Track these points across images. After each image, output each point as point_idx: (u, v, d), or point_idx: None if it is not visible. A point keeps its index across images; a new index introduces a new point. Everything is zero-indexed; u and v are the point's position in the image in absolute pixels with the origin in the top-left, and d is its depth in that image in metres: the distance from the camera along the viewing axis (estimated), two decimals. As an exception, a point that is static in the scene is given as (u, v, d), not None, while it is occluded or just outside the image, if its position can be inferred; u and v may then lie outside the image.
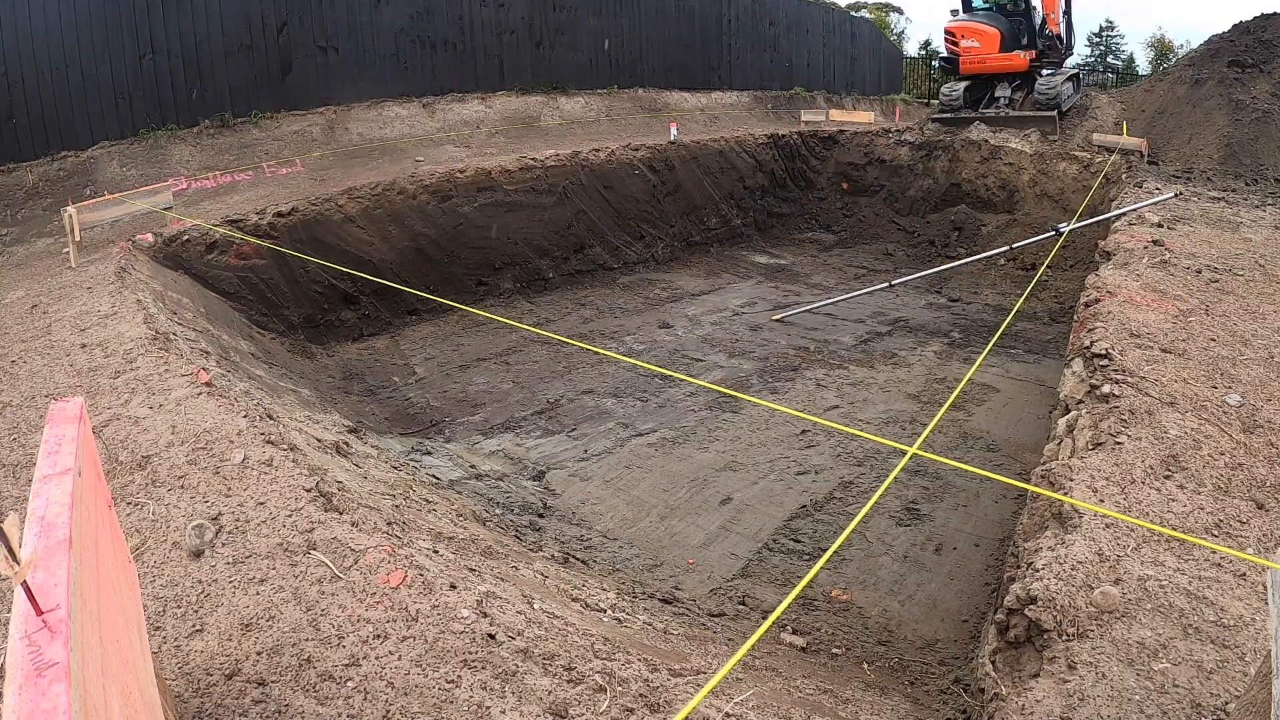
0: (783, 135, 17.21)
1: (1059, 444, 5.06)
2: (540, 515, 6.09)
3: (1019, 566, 3.77)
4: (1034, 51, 17.62)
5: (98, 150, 11.17)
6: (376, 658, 2.92)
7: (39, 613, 1.35)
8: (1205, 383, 5.25)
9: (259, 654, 2.95)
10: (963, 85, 18.56)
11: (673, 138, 15.14)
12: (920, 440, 5.00)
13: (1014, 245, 12.19)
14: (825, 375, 9.06)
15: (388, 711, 2.70)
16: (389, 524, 4.10)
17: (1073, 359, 6.21)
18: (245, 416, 4.73)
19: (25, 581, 1.35)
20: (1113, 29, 51.76)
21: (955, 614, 5.03)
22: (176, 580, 3.37)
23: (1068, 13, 18.16)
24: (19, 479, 4.27)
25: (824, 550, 5.53)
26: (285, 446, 4.50)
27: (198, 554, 3.51)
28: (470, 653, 2.95)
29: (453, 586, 3.33)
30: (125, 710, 1.66)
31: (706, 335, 10.47)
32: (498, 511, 5.95)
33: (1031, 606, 3.32)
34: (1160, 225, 9.48)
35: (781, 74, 23.69)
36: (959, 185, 15.73)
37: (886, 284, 12.07)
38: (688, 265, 14.15)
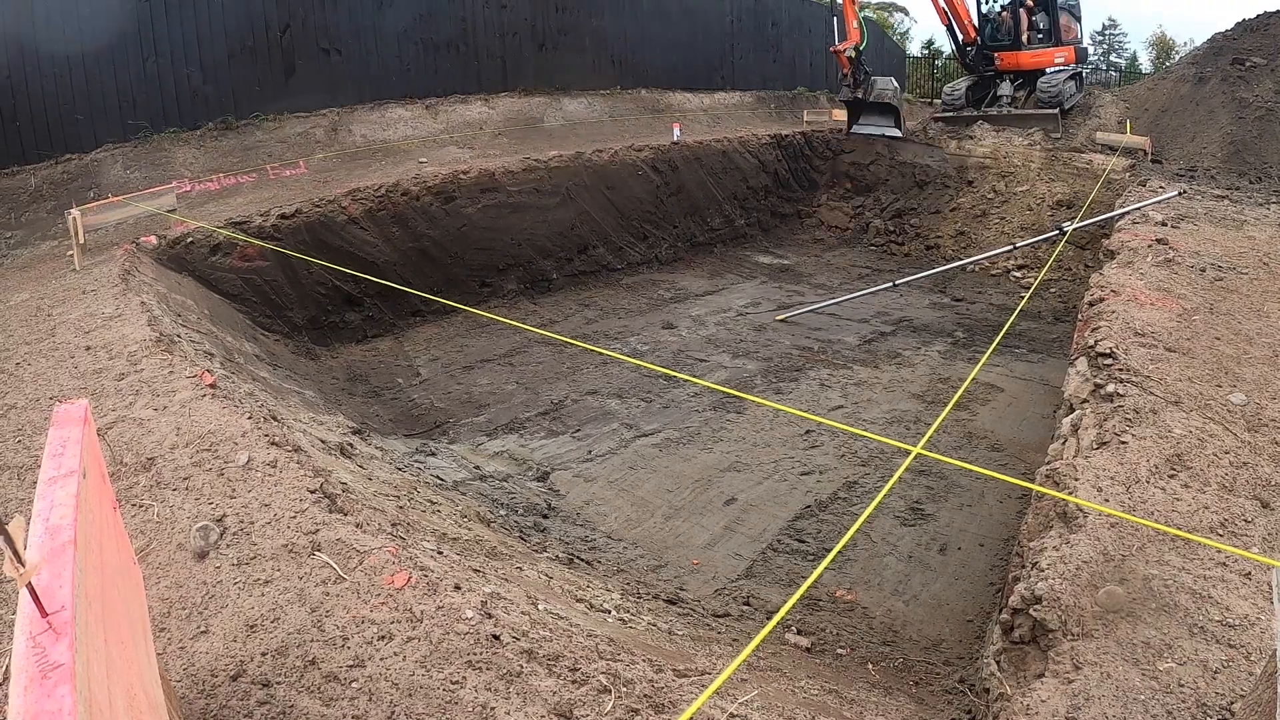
0: (786, 135, 17.19)
1: (1063, 443, 5.05)
2: (545, 516, 6.10)
3: (1024, 566, 3.77)
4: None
5: (101, 153, 11.19)
6: (381, 659, 2.92)
7: (44, 614, 1.35)
8: (1210, 381, 5.23)
9: (264, 655, 2.95)
10: (965, 84, 18.58)
11: (676, 138, 15.13)
12: (924, 440, 4.99)
13: (1017, 245, 12.18)
14: (829, 375, 9.05)
15: (392, 712, 2.70)
16: (393, 525, 4.10)
17: (1077, 358, 6.20)
18: (249, 418, 4.74)
19: (30, 583, 1.36)
20: (1115, 27, 51.69)
21: (960, 614, 5.02)
22: (181, 581, 3.38)
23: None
24: (24, 481, 4.28)
25: (829, 550, 5.53)
26: (290, 448, 4.51)
27: (202, 555, 3.52)
28: (475, 654, 2.95)
29: (457, 587, 3.34)
30: (130, 711, 1.66)
31: (710, 336, 10.46)
32: (502, 512, 5.95)
33: (1036, 606, 3.32)
34: (1164, 224, 9.45)
35: (784, 74, 23.66)
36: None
37: (890, 284, 12.06)
38: (691, 266, 14.14)
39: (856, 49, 15.59)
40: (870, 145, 16.77)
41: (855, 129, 16.94)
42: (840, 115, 17.86)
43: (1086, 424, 4.92)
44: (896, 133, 16.39)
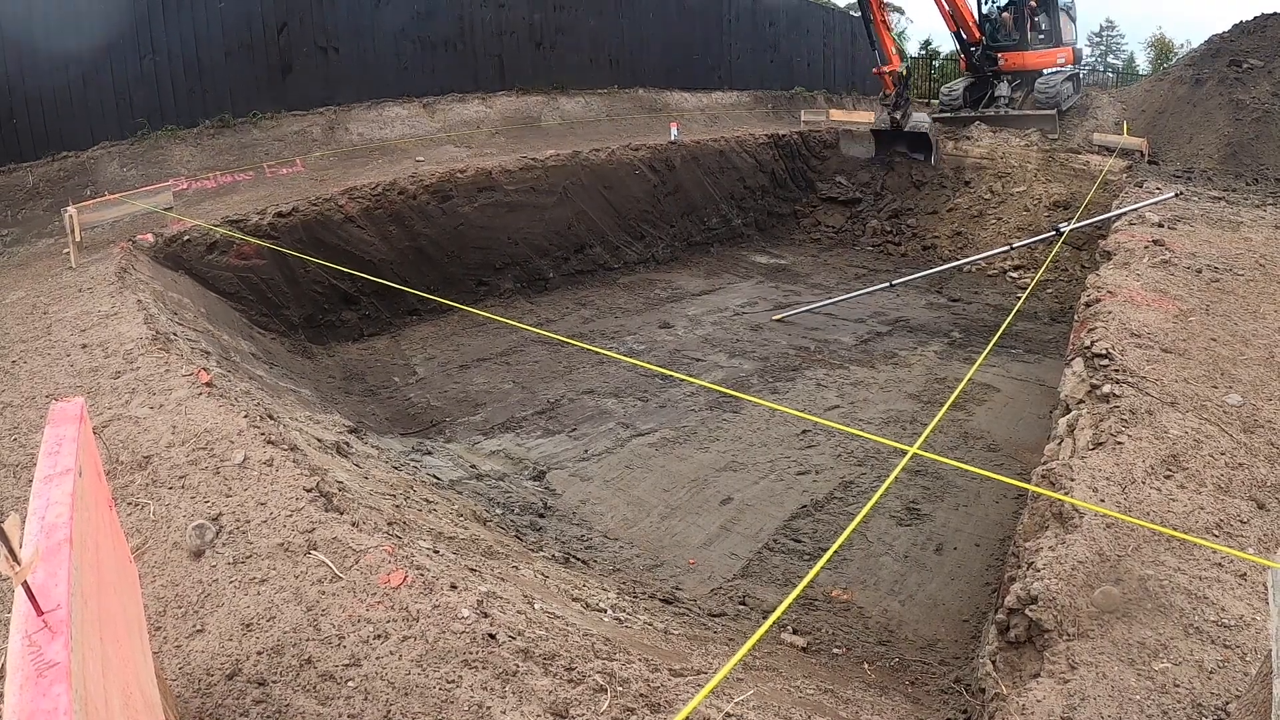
0: (783, 135, 17.20)
1: (1059, 444, 5.06)
2: (541, 515, 6.09)
3: (1019, 566, 3.77)
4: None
5: (98, 150, 11.16)
6: (377, 658, 2.92)
7: (40, 613, 1.35)
8: (1206, 382, 5.24)
9: (259, 654, 2.95)
10: (962, 85, 18.63)
11: (673, 138, 15.13)
12: (921, 440, 5.00)
13: (1014, 245, 12.19)
14: (826, 375, 9.06)
15: (388, 712, 2.69)
16: (389, 524, 4.10)
17: (1073, 359, 6.21)
18: (246, 417, 4.74)
19: (26, 582, 1.35)
20: (1113, 28, 51.82)
21: (956, 614, 5.03)
22: (177, 580, 3.37)
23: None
24: (20, 479, 4.27)
25: (825, 550, 5.53)
26: (286, 446, 4.50)
27: (198, 554, 3.51)
28: (471, 653, 2.95)
29: (453, 586, 3.33)
30: (126, 710, 1.66)
31: (707, 335, 10.47)
32: (498, 511, 5.95)
33: (1032, 606, 3.32)
34: (1161, 225, 9.47)
35: (782, 74, 23.67)
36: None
37: (887, 284, 12.07)
38: (688, 265, 14.14)
39: (908, 70, 15.58)
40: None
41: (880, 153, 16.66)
42: (838, 115, 17.87)
43: (1083, 424, 4.93)
44: (925, 161, 16.12)
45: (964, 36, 18.28)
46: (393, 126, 14.27)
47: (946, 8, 17.55)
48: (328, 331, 9.79)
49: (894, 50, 15.55)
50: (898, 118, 15.85)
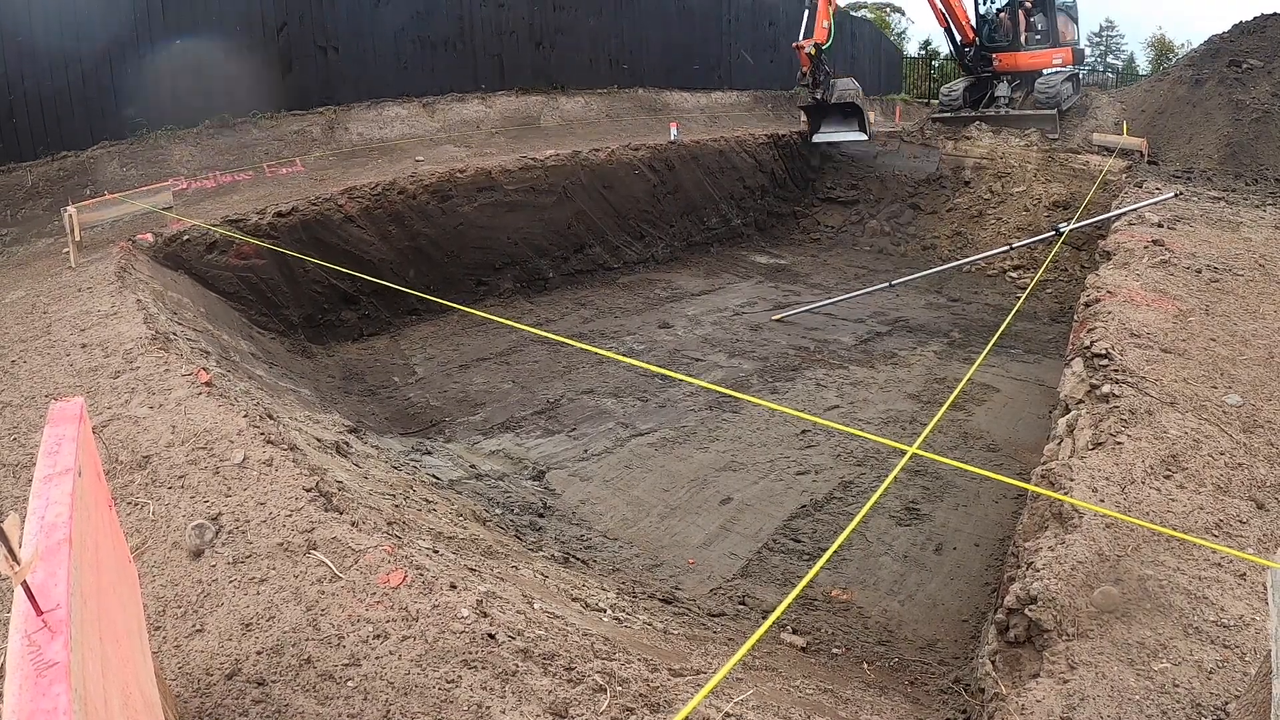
0: (783, 135, 17.20)
1: (1059, 444, 5.06)
2: (540, 515, 6.09)
3: (1019, 566, 3.78)
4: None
5: (98, 150, 11.16)
6: (376, 657, 2.92)
7: (39, 612, 1.35)
8: (1205, 382, 5.25)
9: (259, 654, 2.95)
10: (962, 85, 18.64)
11: (673, 137, 15.13)
12: (920, 440, 5.00)
13: (1013, 245, 12.19)
14: (825, 375, 9.06)
15: (388, 711, 2.69)
16: (389, 524, 4.10)
17: (1073, 359, 6.21)
18: (245, 416, 4.73)
19: (25, 581, 1.35)
20: (1113, 28, 51.85)
21: (955, 614, 5.03)
22: (176, 580, 3.37)
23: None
24: (19, 479, 4.27)
25: (824, 550, 5.53)
26: (285, 446, 4.50)
27: (198, 554, 3.51)
28: (470, 652, 2.95)
29: (453, 586, 3.33)
30: (125, 710, 1.66)
31: (706, 335, 10.47)
32: (498, 511, 5.95)
33: (1031, 606, 3.32)
34: (1160, 225, 9.48)
35: (782, 74, 23.67)
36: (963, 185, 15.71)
37: (886, 284, 12.07)
38: (688, 265, 14.14)
39: (818, 47, 15.16)
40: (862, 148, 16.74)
41: (817, 137, 16.61)
42: None
43: (1082, 424, 4.94)
44: (861, 136, 16.02)
45: (957, 37, 18.30)
46: (392, 126, 14.27)
47: (940, 6, 17.54)
48: (327, 331, 9.78)
49: (825, 24, 15.07)
50: (818, 96, 15.69)
